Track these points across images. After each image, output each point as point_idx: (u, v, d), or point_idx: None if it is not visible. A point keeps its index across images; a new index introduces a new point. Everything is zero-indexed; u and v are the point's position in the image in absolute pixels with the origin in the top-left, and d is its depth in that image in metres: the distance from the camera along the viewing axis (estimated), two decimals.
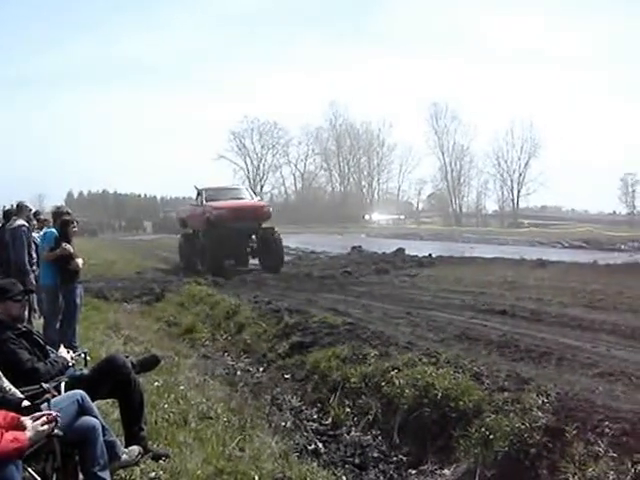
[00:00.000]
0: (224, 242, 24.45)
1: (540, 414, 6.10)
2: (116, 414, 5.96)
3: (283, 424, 7.74)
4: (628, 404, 6.27)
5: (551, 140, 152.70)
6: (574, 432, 5.65)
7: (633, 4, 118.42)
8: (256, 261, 26.69)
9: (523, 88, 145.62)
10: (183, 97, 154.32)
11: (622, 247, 41.36)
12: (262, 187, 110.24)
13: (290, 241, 41.34)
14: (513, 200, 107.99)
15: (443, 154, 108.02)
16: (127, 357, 5.82)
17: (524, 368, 8.07)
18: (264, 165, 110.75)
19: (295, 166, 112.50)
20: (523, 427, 5.95)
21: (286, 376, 10.02)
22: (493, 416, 6.37)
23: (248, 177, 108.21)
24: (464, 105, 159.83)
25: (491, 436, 6.11)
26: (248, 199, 27.94)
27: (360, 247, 34.44)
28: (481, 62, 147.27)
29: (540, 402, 6.35)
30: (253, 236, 26.07)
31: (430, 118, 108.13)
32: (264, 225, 26.39)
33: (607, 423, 5.68)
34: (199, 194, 27.91)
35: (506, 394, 6.78)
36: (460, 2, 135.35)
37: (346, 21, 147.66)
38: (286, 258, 31.50)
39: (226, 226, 24.41)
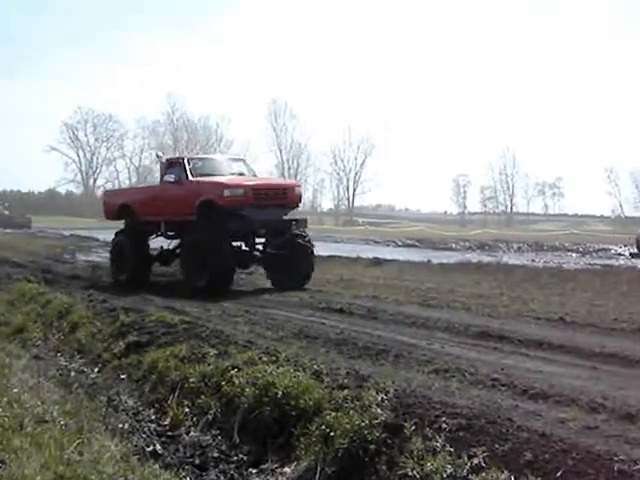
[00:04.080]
0: (235, 239, 17.03)
1: (379, 411, 6.17)
2: None
3: (121, 426, 7.54)
4: (463, 400, 6.45)
5: (386, 141, 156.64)
6: (412, 428, 5.76)
7: None
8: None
9: (361, 89, 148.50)
10: (8, 85, 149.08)
11: (454, 246, 42.83)
12: (95, 181, 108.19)
13: None
14: (349, 198, 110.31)
15: (281, 151, 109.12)
16: None
17: (362, 365, 8.18)
18: (98, 158, 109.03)
19: (130, 160, 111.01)
20: (363, 424, 6.01)
21: (122, 376, 9.79)
22: (333, 414, 6.40)
23: (81, 170, 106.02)
24: (303, 104, 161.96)
25: (331, 433, 6.14)
26: (249, 176, 18.63)
27: None
28: (321, 63, 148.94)
29: (379, 399, 6.43)
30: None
31: (269, 115, 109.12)
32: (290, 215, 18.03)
33: (444, 419, 5.82)
34: (173, 165, 18.62)
35: (346, 392, 6.82)
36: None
37: (187, 16, 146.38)
38: None
39: (242, 214, 16.48)
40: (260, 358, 8.47)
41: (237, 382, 7.82)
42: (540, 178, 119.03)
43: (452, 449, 5.36)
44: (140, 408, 8.60)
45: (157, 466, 6.45)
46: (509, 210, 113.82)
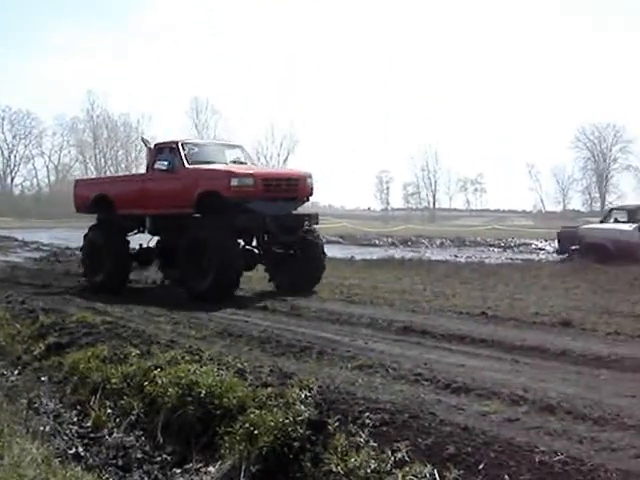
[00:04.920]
0: (242, 236, 15.12)
1: (303, 408, 6.17)
2: None
3: (42, 428, 7.40)
4: (386, 395, 6.52)
5: (309, 138, 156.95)
6: (336, 424, 5.77)
7: None
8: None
9: (283, 85, 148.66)
10: None
11: (377, 242, 43.09)
12: (13, 179, 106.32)
13: (43, 237, 39.88)
14: None
15: None
16: None
17: (286, 363, 8.19)
18: (15, 156, 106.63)
19: (49, 158, 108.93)
20: (287, 421, 6.00)
21: (43, 378, 9.60)
22: (257, 412, 6.37)
23: None
24: (226, 100, 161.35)
25: (256, 432, 6.11)
26: (249, 164, 16.66)
27: None
28: (241, 59, 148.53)
29: (303, 396, 6.43)
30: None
31: (191, 111, 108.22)
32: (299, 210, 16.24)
33: (367, 414, 5.86)
34: (164, 150, 16.16)
35: (269, 389, 6.82)
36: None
37: (108, 12, 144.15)
38: (39, 254, 29.93)
39: (250, 208, 14.56)
40: (183, 357, 8.41)
41: (160, 382, 7.73)
42: (462, 174, 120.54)
43: (376, 444, 5.38)
44: (61, 410, 8.44)
45: (79, 468, 6.37)
46: (432, 206, 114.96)
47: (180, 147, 15.69)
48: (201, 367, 7.78)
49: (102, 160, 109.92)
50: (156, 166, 15.90)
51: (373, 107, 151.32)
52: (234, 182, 14.30)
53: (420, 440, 5.31)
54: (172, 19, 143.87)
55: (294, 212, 15.82)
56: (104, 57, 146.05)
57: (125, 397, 7.99)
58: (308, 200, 16.18)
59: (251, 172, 14.86)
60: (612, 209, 32.29)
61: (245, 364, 7.90)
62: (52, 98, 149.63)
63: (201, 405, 7.02)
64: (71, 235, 43.35)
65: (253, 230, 15.11)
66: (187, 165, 15.34)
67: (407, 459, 5.08)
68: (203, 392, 7.09)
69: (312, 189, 15.89)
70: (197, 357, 8.39)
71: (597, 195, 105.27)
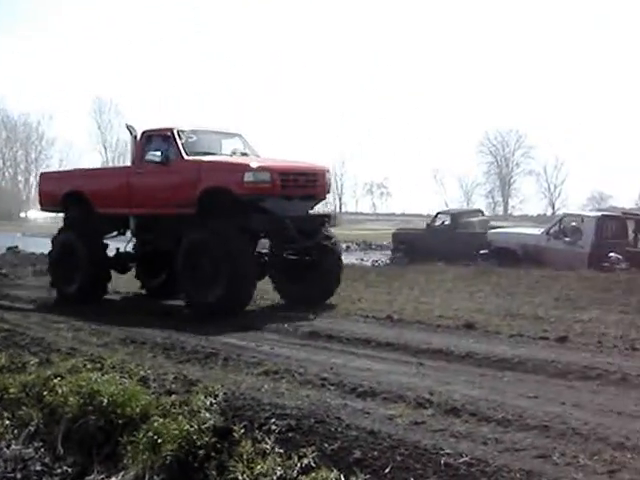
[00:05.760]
0: (254, 242, 13.44)
1: (208, 415, 6.10)
2: None
3: None
4: (293, 400, 6.48)
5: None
6: (242, 431, 5.71)
7: None
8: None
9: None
10: None
11: None
12: None
13: None
14: None
15: (106, 149, 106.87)
16: None
17: (191, 370, 8.09)
18: None
19: None
20: (192, 429, 5.91)
21: None
22: (161, 420, 6.27)
23: None
24: (129, 100, 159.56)
25: (159, 440, 6.00)
26: (251, 155, 14.16)
27: (16, 247, 32.68)
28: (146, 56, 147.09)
29: (208, 403, 6.37)
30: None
31: (93, 112, 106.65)
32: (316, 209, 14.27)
33: (273, 420, 5.82)
34: (155, 139, 13.93)
35: (174, 397, 6.73)
36: None
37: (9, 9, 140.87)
38: None
39: (264, 208, 12.63)
40: (84, 365, 8.24)
41: (60, 391, 7.54)
42: (368, 177, 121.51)
43: (282, 450, 5.35)
44: None
45: None
46: (338, 209, 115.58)
47: (176, 135, 13.46)
48: (103, 375, 7.61)
49: (0, 161, 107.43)
50: (146, 158, 13.55)
51: (288, 109, 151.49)
52: (248, 177, 12.25)
53: (326, 445, 5.29)
54: (77, 19, 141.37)
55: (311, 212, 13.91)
56: (4, 56, 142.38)
57: (24, 407, 7.75)
58: (325, 199, 14.42)
59: (267, 165, 12.79)
60: (438, 213, 33.26)
61: (149, 371, 7.79)
62: None
63: (103, 414, 6.86)
64: None
65: (270, 233, 13.33)
66: (186, 157, 13.23)
67: (313, 465, 5.07)
68: (105, 401, 6.92)
69: (330, 186, 14.07)
70: (99, 365, 8.22)
71: (500, 199, 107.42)
